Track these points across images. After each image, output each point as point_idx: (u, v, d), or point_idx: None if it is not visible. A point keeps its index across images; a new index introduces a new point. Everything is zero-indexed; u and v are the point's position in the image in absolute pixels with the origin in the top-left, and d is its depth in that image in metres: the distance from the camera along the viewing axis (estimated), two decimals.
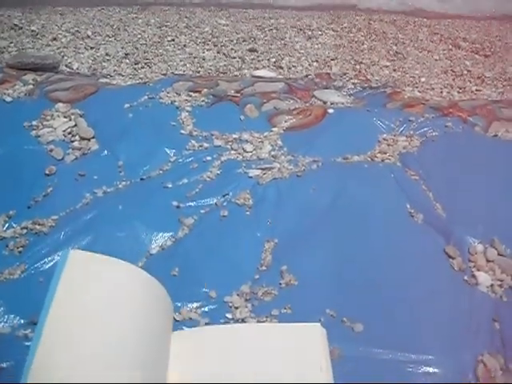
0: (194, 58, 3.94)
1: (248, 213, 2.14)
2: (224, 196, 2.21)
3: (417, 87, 3.64)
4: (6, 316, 1.76)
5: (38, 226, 2.08)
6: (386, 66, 3.99)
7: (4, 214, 2.13)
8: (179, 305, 1.74)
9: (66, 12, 4.95)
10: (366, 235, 2.07)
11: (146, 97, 2.83)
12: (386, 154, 2.55)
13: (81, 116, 2.69)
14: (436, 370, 1.58)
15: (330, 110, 2.81)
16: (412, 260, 1.98)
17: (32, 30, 4.34)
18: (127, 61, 3.88)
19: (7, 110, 2.76)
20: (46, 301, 0.92)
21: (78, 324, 0.95)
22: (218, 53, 4.04)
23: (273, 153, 2.51)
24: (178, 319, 1.69)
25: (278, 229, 2.08)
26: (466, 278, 1.92)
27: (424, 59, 4.17)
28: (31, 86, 3.03)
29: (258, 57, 3.99)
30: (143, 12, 5.01)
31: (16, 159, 2.44)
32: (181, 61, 3.88)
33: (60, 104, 2.77)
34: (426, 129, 2.76)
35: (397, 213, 2.19)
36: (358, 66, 3.92)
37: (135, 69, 3.72)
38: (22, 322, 1.75)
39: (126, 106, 2.75)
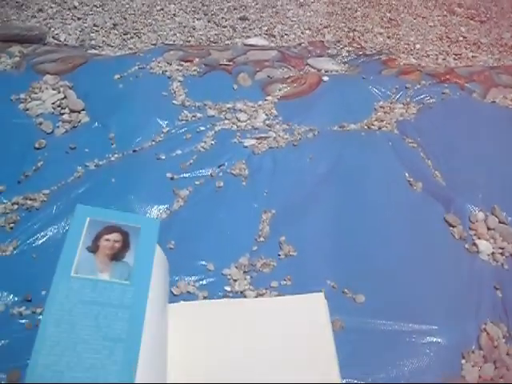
0: (184, 27, 3.85)
1: (244, 183, 2.10)
2: (219, 167, 2.16)
3: (412, 54, 3.58)
4: (0, 293, 1.72)
5: (29, 201, 2.03)
6: (380, 33, 3.92)
7: None
8: (176, 278, 1.70)
9: None
10: (365, 204, 2.03)
11: (137, 67, 2.76)
12: (382, 121, 2.50)
13: (70, 88, 2.62)
14: (439, 340, 1.55)
15: (325, 78, 2.75)
16: (412, 229, 1.95)
17: (16, 2, 4.22)
18: (116, 31, 3.78)
19: None
20: None
21: None
22: (209, 22, 3.94)
23: (267, 122, 2.46)
24: (175, 293, 1.66)
25: (275, 199, 2.04)
26: (466, 246, 1.89)
27: (419, 26, 4.10)
28: (17, 59, 2.95)
29: (249, 25, 3.90)
30: None
31: (4, 133, 2.37)
32: (170, 30, 3.78)
33: (48, 76, 2.70)
34: (422, 96, 2.72)
35: (395, 181, 2.15)
36: (351, 34, 3.84)
37: (124, 39, 3.63)
38: (16, 299, 1.71)
39: (116, 76, 2.68)
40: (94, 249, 1.26)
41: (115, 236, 1.31)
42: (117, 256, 1.27)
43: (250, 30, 3.83)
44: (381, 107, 2.62)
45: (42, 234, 1.91)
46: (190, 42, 3.62)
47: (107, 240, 1.29)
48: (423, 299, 1.69)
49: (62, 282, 1.20)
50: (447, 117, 2.55)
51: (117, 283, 1.23)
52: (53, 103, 2.54)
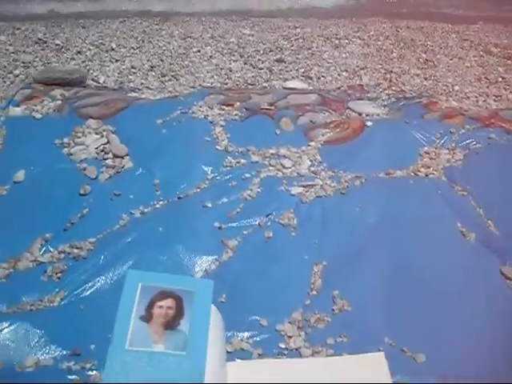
0: (221, 69, 3.87)
1: (293, 233, 2.06)
2: (267, 216, 2.13)
3: (451, 96, 3.54)
4: (48, 347, 1.70)
5: (75, 250, 2.01)
6: (417, 75, 3.89)
7: (40, 238, 2.07)
8: (229, 334, 1.66)
9: (88, 24, 4.89)
10: (418, 256, 1.98)
11: (179, 111, 2.76)
12: (429, 168, 2.46)
13: (113, 132, 2.62)
14: None
15: (369, 123, 2.73)
16: (468, 282, 1.90)
17: (56, 44, 4.29)
18: (153, 73, 3.81)
19: (37, 127, 2.70)
20: None
21: None
22: (245, 64, 3.96)
23: (312, 168, 2.43)
24: (229, 350, 1.61)
25: (326, 250, 2.00)
26: None
27: (455, 67, 4.07)
28: (60, 102, 2.97)
29: (285, 67, 3.90)
30: (165, 23, 4.94)
31: (49, 178, 2.38)
32: (208, 72, 3.80)
33: (91, 120, 2.71)
34: (468, 141, 2.67)
35: (448, 232, 2.10)
36: (388, 75, 3.83)
37: (162, 81, 3.65)
38: (65, 353, 1.68)
39: (159, 121, 2.68)
40: (147, 318, 1.23)
41: (168, 302, 1.27)
42: (171, 324, 1.24)
43: (287, 71, 3.84)
44: (426, 153, 2.58)
45: (90, 284, 1.89)
46: (227, 83, 3.63)
47: (160, 307, 1.26)
48: (487, 357, 1.62)
49: (118, 356, 1.17)
50: (496, 163, 2.50)
51: (172, 355, 1.19)
52: (96, 148, 2.54)
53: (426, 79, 3.84)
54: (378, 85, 3.53)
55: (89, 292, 1.87)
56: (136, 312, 1.25)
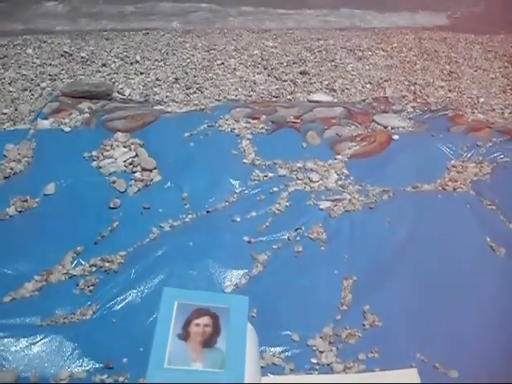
0: (245, 81, 3.89)
1: (322, 248, 2.07)
2: (296, 230, 2.14)
3: (476, 108, 3.53)
4: (81, 359, 1.72)
5: (106, 264, 2.03)
6: (441, 87, 3.89)
7: (72, 251, 2.10)
8: (261, 349, 1.67)
9: (112, 37, 4.95)
10: (448, 272, 1.98)
11: (205, 125, 2.78)
12: (457, 182, 2.45)
13: (141, 146, 2.65)
14: None
15: (395, 137, 2.73)
16: (499, 297, 1.88)
17: (82, 57, 4.35)
18: (178, 86, 3.85)
19: (66, 140, 2.74)
20: None
21: None
22: (269, 76, 3.98)
23: (340, 182, 2.44)
24: (261, 365, 1.61)
25: (355, 265, 2.00)
26: None
27: (480, 78, 4.06)
28: (87, 115, 3.01)
29: (309, 79, 3.92)
30: (187, 34, 4.99)
31: (79, 191, 2.41)
32: (232, 85, 3.83)
33: (119, 133, 2.74)
34: (495, 154, 2.66)
35: (477, 247, 2.09)
36: (412, 87, 3.83)
37: (187, 94, 3.68)
38: (97, 366, 1.70)
39: (186, 134, 2.71)
40: (184, 336, 1.24)
41: (205, 320, 1.28)
42: (208, 342, 1.24)
43: (311, 84, 3.85)
44: (453, 166, 2.57)
45: (121, 298, 1.91)
46: (251, 96, 3.65)
47: (197, 325, 1.26)
48: None
49: (157, 374, 1.18)
50: None
51: (211, 372, 1.19)
52: (125, 161, 2.57)
53: (450, 91, 3.84)
54: (403, 97, 3.53)
55: (120, 305, 1.89)
56: (173, 331, 1.26)
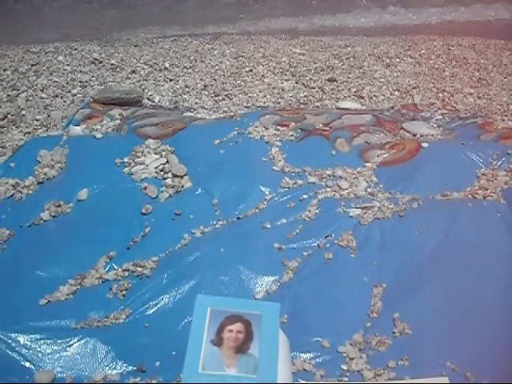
0: (273, 88, 3.92)
1: (352, 255, 2.08)
2: (326, 237, 2.15)
3: (506, 115, 3.50)
4: (115, 362, 1.76)
5: (139, 268, 2.07)
6: (470, 94, 3.87)
7: (105, 255, 2.14)
8: (292, 355, 1.67)
9: (140, 44, 5.03)
10: (479, 280, 1.97)
11: (235, 132, 2.81)
12: (487, 190, 2.44)
13: (172, 152, 2.69)
14: None
15: (424, 144, 2.72)
16: None
17: (111, 64, 4.43)
18: (207, 92, 3.89)
19: (98, 146, 2.79)
20: None
21: None
22: (297, 83, 4.00)
23: (369, 190, 2.44)
24: (292, 371, 1.63)
25: (385, 272, 2.01)
26: None
27: (510, 85, 4.03)
28: (118, 121, 3.06)
29: (337, 86, 3.94)
30: (215, 41, 5.04)
31: (111, 197, 2.45)
32: (260, 92, 3.86)
33: (150, 140, 2.78)
34: None
35: (508, 256, 2.07)
36: (440, 94, 3.82)
37: (216, 101, 3.72)
38: (131, 368, 1.74)
39: (216, 141, 2.74)
40: (218, 342, 1.26)
41: (238, 326, 1.30)
42: (242, 348, 1.26)
43: (339, 91, 3.87)
44: (483, 175, 2.55)
45: (154, 302, 1.95)
46: (279, 103, 3.68)
47: (230, 331, 1.29)
48: None
49: (191, 379, 1.21)
50: None
51: (244, 377, 1.22)
52: (156, 167, 2.61)
53: (479, 98, 3.82)
54: (432, 104, 3.52)
55: (153, 310, 1.92)
56: (207, 337, 1.28)
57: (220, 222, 2.29)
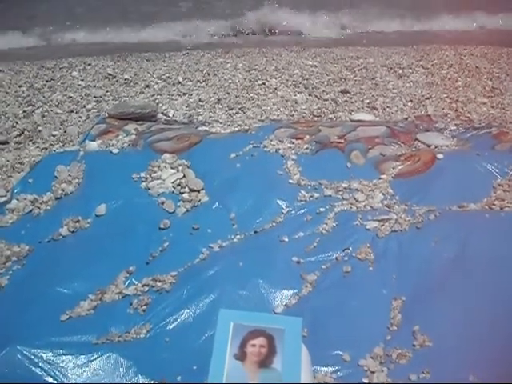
0: (287, 101, 3.94)
1: (371, 268, 2.08)
2: (344, 250, 2.16)
3: None
4: (137, 377, 1.77)
5: (158, 283, 2.08)
6: (484, 103, 3.86)
7: (124, 270, 2.16)
8: (313, 368, 1.68)
9: (153, 58, 5.07)
10: (499, 292, 1.96)
11: (251, 145, 2.83)
12: (504, 200, 2.43)
13: (188, 167, 2.71)
14: None
15: (440, 155, 2.72)
16: None
17: (125, 79, 4.47)
18: (220, 106, 3.92)
19: (115, 161, 2.82)
20: None
21: None
22: (310, 95, 4.02)
23: (385, 202, 2.45)
24: None
25: (404, 285, 2.01)
26: None
27: None
28: (134, 136, 3.09)
29: (350, 98, 3.95)
30: (227, 54, 5.08)
31: (129, 212, 2.47)
32: (274, 104, 3.88)
33: (166, 155, 2.81)
34: None
35: None
36: (454, 105, 3.82)
37: (230, 114, 3.75)
38: (152, 383, 1.75)
39: (232, 155, 2.76)
40: (241, 357, 1.28)
41: (261, 341, 1.31)
42: (265, 363, 1.28)
43: (352, 103, 3.88)
44: (499, 185, 2.54)
45: (174, 317, 1.96)
46: (293, 115, 3.70)
47: (253, 346, 1.30)
48: None
49: None
50: None
51: None
52: (173, 182, 2.63)
53: (493, 107, 3.81)
54: (446, 115, 3.52)
55: (173, 325, 1.94)
56: (230, 351, 1.30)
57: (238, 236, 2.31)
